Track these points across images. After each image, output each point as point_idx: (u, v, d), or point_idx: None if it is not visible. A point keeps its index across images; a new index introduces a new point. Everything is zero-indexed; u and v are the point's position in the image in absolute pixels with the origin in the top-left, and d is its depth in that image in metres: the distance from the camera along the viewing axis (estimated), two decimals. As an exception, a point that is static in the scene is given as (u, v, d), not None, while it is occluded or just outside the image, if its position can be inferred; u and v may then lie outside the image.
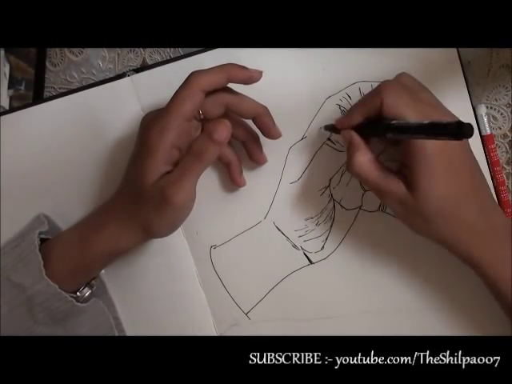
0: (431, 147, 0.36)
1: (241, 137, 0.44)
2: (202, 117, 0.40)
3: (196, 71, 0.39)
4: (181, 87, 0.39)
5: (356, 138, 0.39)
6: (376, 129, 0.39)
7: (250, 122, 0.43)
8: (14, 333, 0.40)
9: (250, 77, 0.40)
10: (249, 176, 0.45)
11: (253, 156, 0.44)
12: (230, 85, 0.41)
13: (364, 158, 0.39)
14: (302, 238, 0.46)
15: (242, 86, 0.40)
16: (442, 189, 0.37)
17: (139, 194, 0.39)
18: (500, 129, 0.46)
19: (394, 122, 0.37)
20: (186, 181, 0.38)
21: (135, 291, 0.47)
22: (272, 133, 0.42)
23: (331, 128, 0.43)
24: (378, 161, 0.39)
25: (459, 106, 0.44)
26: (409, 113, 0.37)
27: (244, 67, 0.40)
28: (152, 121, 0.39)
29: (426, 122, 0.34)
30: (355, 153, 0.39)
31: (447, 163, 0.37)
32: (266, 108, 0.42)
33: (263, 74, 0.40)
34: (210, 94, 0.40)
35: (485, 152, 0.45)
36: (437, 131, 0.33)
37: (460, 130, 0.31)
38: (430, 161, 0.37)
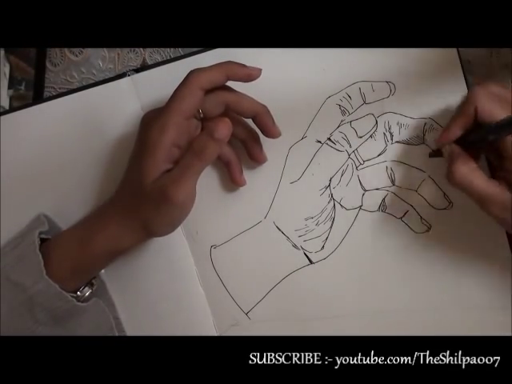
0: None
1: (241, 136, 0.44)
2: (201, 115, 0.40)
3: (195, 69, 0.39)
4: (180, 85, 0.39)
5: (456, 148, 0.39)
6: (475, 136, 0.39)
7: (249, 121, 0.43)
8: (15, 333, 0.40)
9: (249, 74, 0.40)
10: (249, 175, 0.45)
11: (253, 155, 0.44)
12: (230, 83, 0.41)
13: (465, 167, 0.38)
14: (302, 237, 0.46)
15: (242, 85, 0.40)
16: None
17: (139, 193, 0.39)
18: (500, 129, 0.46)
19: (493, 124, 0.37)
20: (187, 179, 0.38)
21: (135, 291, 0.47)
22: (272, 132, 0.42)
23: (436, 153, 0.42)
24: (480, 169, 0.39)
25: (459, 106, 0.44)
26: (504, 114, 0.37)
27: (243, 65, 0.40)
28: (152, 119, 0.39)
29: None
30: (455, 162, 0.39)
31: None
32: (265, 107, 0.42)
33: (263, 73, 0.40)
34: (209, 92, 0.40)
35: (485, 152, 0.45)
36: None
37: None
38: None
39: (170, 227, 0.41)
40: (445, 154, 0.41)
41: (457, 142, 0.40)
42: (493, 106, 0.38)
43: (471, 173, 0.38)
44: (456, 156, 0.39)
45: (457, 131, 0.40)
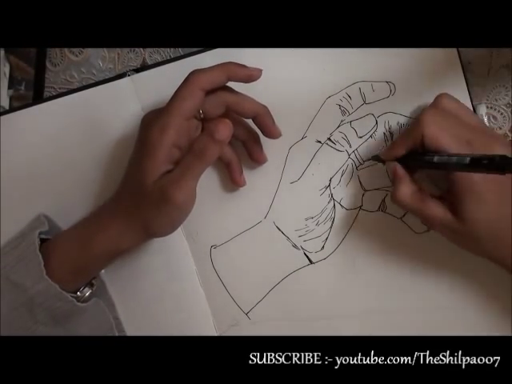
0: (477, 174, 0.36)
1: (241, 136, 0.44)
2: (202, 116, 0.40)
3: (196, 70, 0.39)
4: (181, 86, 0.39)
5: (399, 169, 0.40)
6: (419, 162, 0.39)
7: (249, 122, 0.43)
8: (15, 333, 0.40)
9: (250, 75, 0.40)
10: (249, 176, 0.45)
11: (253, 155, 0.44)
12: (231, 84, 0.41)
13: (407, 190, 0.39)
14: (302, 237, 0.46)
15: (242, 85, 0.40)
16: (491, 213, 0.37)
17: (140, 193, 0.39)
18: (500, 129, 0.46)
19: (435, 157, 0.37)
20: (187, 180, 0.38)
21: (135, 291, 0.47)
22: (272, 132, 0.42)
23: (378, 158, 0.43)
24: (422, 190, 0.40)
25: (459, 106, 0.44)
26: (451, 143, 0.37)
27: (243, 65, 0.40)
28: (152, 120, 0.39)
29: (468, 158, 0.33)
30: (398, 185, 0.40)
31: (494, 186, 0.37)
32: (266, 107, 0.42)
33: (263, 73, 0.40)
34: (210, 93, 0.40)
35: (485, 152, 0.45)
36: (480, 167, 0.33)
37: (504, 165, 0.30)
38: (477, 188, 0.37)
39: (170, 228, 0.41)
40: (388, 169, 0.42)
41: (404, 160, 0.41)
42: (440, 134, 0.38)
43: (412, 195, 0.39)
44: (399, 178, 0.40)
45: (401, 150, 0.40)
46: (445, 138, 0.38)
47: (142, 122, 0.41)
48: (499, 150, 0.38)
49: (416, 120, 0.40)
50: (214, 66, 0.39)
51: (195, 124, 0.41)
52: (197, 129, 0.41)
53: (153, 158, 0.38)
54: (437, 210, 0.39)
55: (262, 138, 0.43)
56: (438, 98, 0.40)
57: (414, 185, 0.40)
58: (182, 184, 0.38)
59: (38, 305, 0.40)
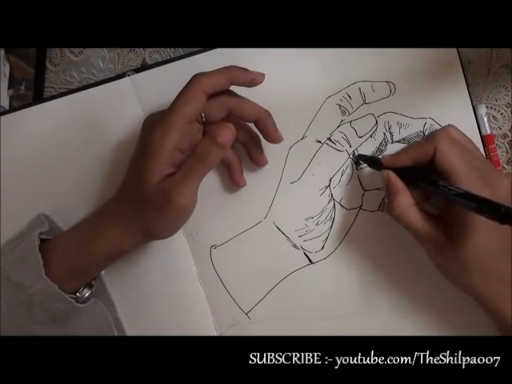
0: None
1: (242, 139, 0.44)
2: (203, 119, 0.40)
3: (199, 73, 0.39)
4: (183, 89, 0.39)
5: (397, 180, 0.40)
6: (424, 179, 0.39)
7: (250, 124, 0.43)
8: (13, 332, 0.40)
9: (253, 79, 0.40)
10: (249, 176, 0.45)
11: (253, 158, 0.44)
12: (233, 87, 0.41)
13: (405, 202, 0.39)
14: (302, 237, 0.46)
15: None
16: (486, 243, 0.37)
17: (141, 196, 0.39)
18: (500, 129, 0.46)
19: (449, 186, 0.36)
20: (189, 183, 0.38)
21: (135, 291, 0.47)
22: (274, 137, 0.42)
23: (365, 159, 0.43)
24: (418, 206, 0.39)
25: (459, 106, 0.44)
26: (462, 166, 0.37)
27: (246, 70, 0.40)
28: (154, 122, 0.39)
29: (475, 195, 0.34)
30: (396, 195, 0.39)
31: None
32: (267, 112, 0.42)
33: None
34: (212, 96, 0.40)
35: (485, 152, 0.45)
36: (485, 209, 0.32)
37: (509, 217, 0.30)
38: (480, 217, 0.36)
39: (171, 231, 0.41)
40: (382, 178, 0.41)
41: (402, 171, 0.40)
42: (452, 152, 0.38)
43: (410, 208, 0.39)
44: (396, 189, 0.40)
45: (407, 160, 0.40)
46: (457, 159, 0.38)
47: (143, 124, 0.41)
48: (506, 184, 0.38)
49: (429, 135, 0.40)
50: (216, 70, 0.39)
51: (197, 127, 0.40)
52: (198, 132, 0.41)
53: (155, 160, 0.38)
54: (432, 229, 0.39)
55: (262, 138, 0.43)
56: (447, 127, 0.40)
57: (412, 198, 0.40)
58: (183, 187, 0.38)
59: (37, 304, 0.40)
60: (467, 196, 0.34)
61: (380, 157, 0.44)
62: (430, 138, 0.39)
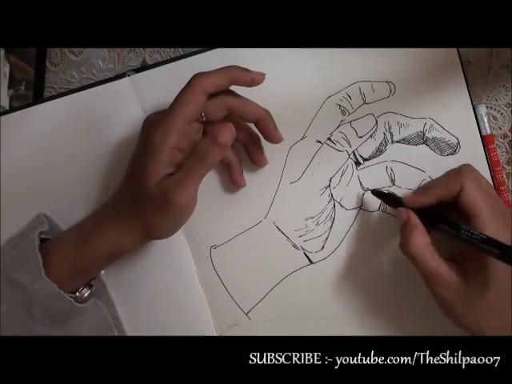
0: None
1: (242, 139, 0.44)
2: (204, 119, 0.40)
3: (199, 73, 0.39)
4: (184, 89, 0.39)
5: (414, 218, 0.39)
6: (445, 222, 0.38)
7: (251, 124, 0.43)
8: (13, 332, 0.40)
9: (253, 79, 0.40)
10: (249, 176, 0.45)
11: (253, 158, 0.44)
12: (232, 87, 0.41)
13: (421, 240, 0.38)
14: (302, 237, 0.46)
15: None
16: (506, 289, 0.37)
17: (141, 195, 0.39)
18: (500, 129, 0.46)
19: (472, 230, 0.36)
20: (189, 183, 0.38)
21: (135, 291, 0.46)
22: (274, 137, 0.42)
23: (380, 195, 0.43)
24: (433, 245, 0.39)
25: (459, 106, 0.44)
26: (485, 206, 0.37)
27: (246, 69, 0.40)
28: (154, 122, 0.39)
29: (500, 242, 0.33)
30: (412, 233, 0.39)
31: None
32: (268, 112, 0.42)
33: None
34: (212, 96, 0.40)
35: (485, 152, 0.45)
36: (508, 256, 0.33)
37: None
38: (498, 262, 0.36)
39: (171, 231, 0.41)
40: (400, 217, 0.40)
41: (420, 210, 0.40)
42: (479, 193, 0.38)
43: (425, 247, 0.38)
44: (413, 227, 0.39)
45: (431, 199, 0.40)
46: (481, 200, 0.37)
47: (143, 123, 0.41)
48: None
49: (453, 171, 0.39)
50: (217, 70, 0.39)
51: (197, 127, 0.40)
52: (199, 132, 0.41)
53: (155, 160, 0.38)
54: (447, 269, 0.38)
55: (263, 138, 0.43)
56: (470, 166, 0.40)
57: (428, 237, 0.39)
58: (183, 187, 0.38)
59: (37, 304, 0.40)
60: (491, 242, 0.34)
61: (399, 195, 0.43)
62: (455, 176, 0.39)
